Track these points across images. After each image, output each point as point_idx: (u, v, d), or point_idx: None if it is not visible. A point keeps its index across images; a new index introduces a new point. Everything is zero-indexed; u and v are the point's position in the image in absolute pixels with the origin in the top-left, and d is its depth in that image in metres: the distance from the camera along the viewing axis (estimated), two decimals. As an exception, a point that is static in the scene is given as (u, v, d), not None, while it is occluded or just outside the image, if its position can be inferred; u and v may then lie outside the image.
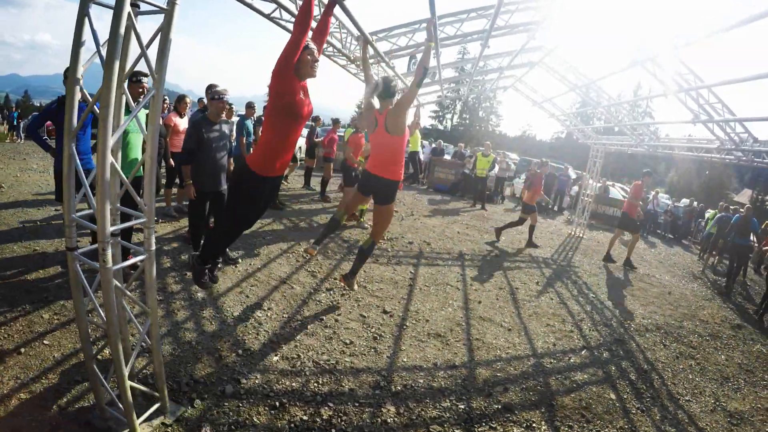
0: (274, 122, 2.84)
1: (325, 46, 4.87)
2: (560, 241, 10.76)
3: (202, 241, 3.44)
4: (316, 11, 4.24)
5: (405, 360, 3.89)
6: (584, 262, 8.98)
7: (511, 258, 8.15)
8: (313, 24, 2.88)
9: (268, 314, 4.26)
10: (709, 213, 15.29)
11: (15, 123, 17.70)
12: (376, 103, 4.34)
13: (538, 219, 9.59)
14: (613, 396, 3.94)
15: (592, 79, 9.41)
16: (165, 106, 6.57)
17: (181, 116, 6.74)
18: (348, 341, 4.00)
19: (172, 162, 6.64)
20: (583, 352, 4.72)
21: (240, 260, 5.40)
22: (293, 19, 4.85)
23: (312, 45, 2.82)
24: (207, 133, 4.68)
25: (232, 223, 3.11)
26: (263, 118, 3.01)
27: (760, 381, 4.90)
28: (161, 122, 6.15)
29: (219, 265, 3.63)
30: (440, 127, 57.18)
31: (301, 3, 4.67)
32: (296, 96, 2.76)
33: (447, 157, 17.35)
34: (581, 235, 11.96)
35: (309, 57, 2.78)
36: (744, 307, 8.12)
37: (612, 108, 11.22)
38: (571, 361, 4.48)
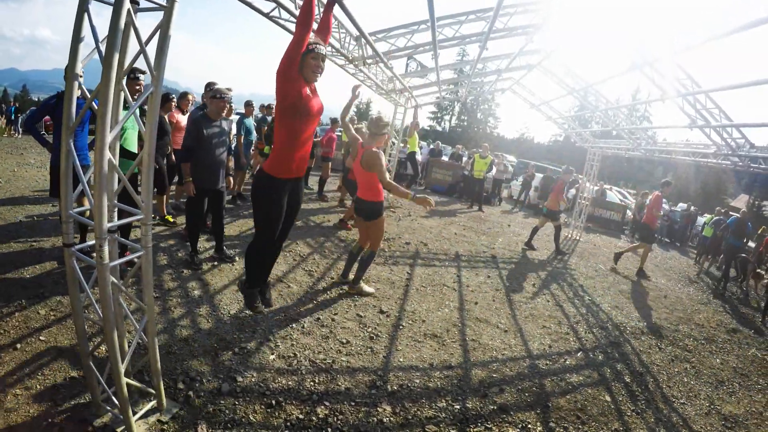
0: (284, 123, 2.80)
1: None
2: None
3: (244, 265, 3.35)
4: (317, 11, 4.24)
5: (401, 360, 3.89)
6: (580, 264, 9.00)
7: (508, 260, 8.16)
8: (314, 26, 2.87)
9: (265, 312, 4.25)
10: (705, 218, 15.36)
11: (13, 117, 17.61)
12: (363, 129, 4.67)
13: (544, 224, 9.58)
14: (608, 398, 3.95)
15: (590, 83, 9.44)
16: (172, 104, 6.50)
17: (184, 113, 6.73)
18: (344, 340, 4.00)
19: (173, 158, 6.62)
20: (578, 354, 4.74)
21: (237, 258, 5.39)
22: (293, 19, 4.86)
23: (321, 50, 2.75)
24: (206, 130, 4.69)
25: (259, 235, 3.02)
26: (275, 120, 2.95)
27: (754, 385, 4.93)
28: (167, 119, 6.16)
29: (269, 286, 3.57)
30: (438, 128, 57.18)
31: (301, 3, 4.68)
32: (302, 94, 2.72)
33: (445, 158, 17.38)
34: (578, 237, 11.99)
35: (313, 62, 2.74)
36: (740, 311, 8.15)
37: (610, 112, 11.25)
38: (567, 362, 4.50)
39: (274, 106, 8.34)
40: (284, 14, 4.81)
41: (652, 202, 8.96)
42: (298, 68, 2.68)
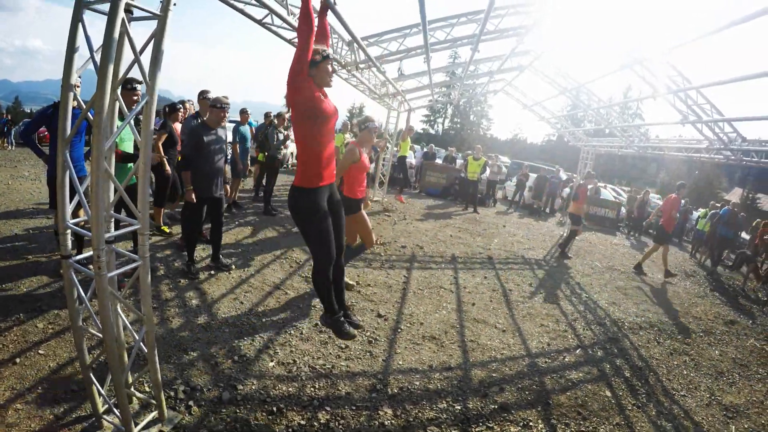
0: (303, 131, 2.77)
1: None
2: (552, 242, 10.81)
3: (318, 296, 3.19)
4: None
5: (400, 363, 3.90)
6: (576, 262, 9.04)
7: (504, 260, 8.19)
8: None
9: (263, 320, 4.25)
10: (700, 212, 15.45)
11: (5, 130, 17.44)
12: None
13: (579, 230, 9.60)
14: (608, 393, 3.97)
15: (582, 82, 9.52)
16: (179, 114, 6.42)
17: (179, 121, 6.71)
18: (343, 345, 4.00)
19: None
20: (577, 351, 4.75)
21: (233, 267, 5.38)
22: (285, 25, 4.89)
23: (331, 54, 2.79)
24: (205, 137, 4.71)
25: (317, 257, 2.95)
26: (293, 130, 2.90)
27: (754, 374, 4.96)
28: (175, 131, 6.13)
29: (349, 313, 3.47)
30: (431, 131, 57.33)
31: (294, 10, 4.71)
32: (315, 98, 2.71)
33: (438, 161, 17.40)
34: (574, 236, 12.03)
35: (329, 67, 2.74)
36: (737, 302, 8.20)
37: (602, 110, 11.35)
38: (566, 360, 4.51)
39: (275, 116, 8.34)
40: (276, 21, 4.84)
41: (669, 205, 8.77)
42: (308, 74, 2.67)
